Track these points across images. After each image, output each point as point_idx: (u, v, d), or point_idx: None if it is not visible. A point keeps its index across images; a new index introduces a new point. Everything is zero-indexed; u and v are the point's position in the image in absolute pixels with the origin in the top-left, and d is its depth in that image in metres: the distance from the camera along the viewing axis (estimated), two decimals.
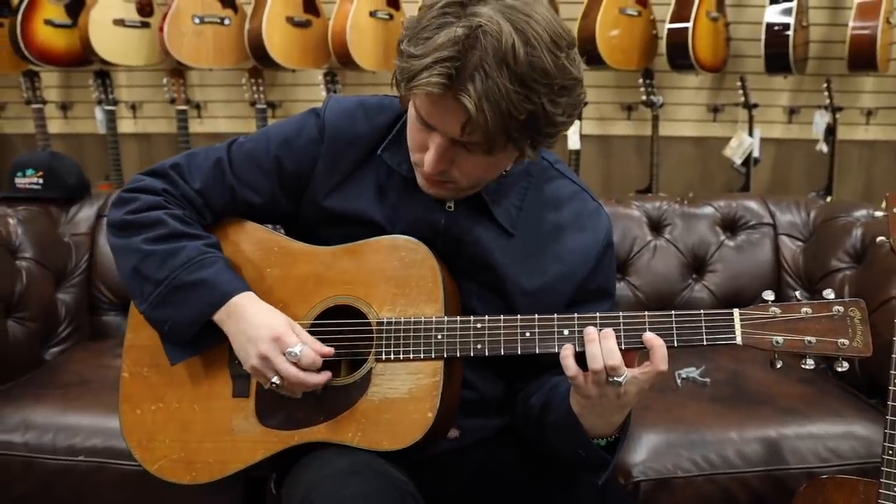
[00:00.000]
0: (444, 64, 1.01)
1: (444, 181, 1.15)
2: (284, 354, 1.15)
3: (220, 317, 1.19)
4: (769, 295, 1.12)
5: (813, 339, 1.09)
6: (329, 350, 1.18)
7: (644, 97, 3.52)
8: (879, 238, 1.39)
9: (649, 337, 1.09)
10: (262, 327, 1.16)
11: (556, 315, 1.14)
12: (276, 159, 1.26)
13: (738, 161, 3.56)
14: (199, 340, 1.22)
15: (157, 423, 1.27)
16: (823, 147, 3.57)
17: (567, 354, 1.09)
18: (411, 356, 1.17)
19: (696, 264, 2.24)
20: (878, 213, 1.41)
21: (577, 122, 3.35)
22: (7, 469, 1.68)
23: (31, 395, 1.81)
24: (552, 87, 1.04)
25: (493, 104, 1.01)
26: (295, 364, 1.15)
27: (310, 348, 1.16)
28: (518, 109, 1.02)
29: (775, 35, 3.33)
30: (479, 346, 1.16)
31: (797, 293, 1.13)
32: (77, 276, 2.21)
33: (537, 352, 1.14)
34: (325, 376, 1.17)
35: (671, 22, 3.39)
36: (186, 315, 1.20)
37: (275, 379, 1.16)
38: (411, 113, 1.13)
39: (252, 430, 1.23)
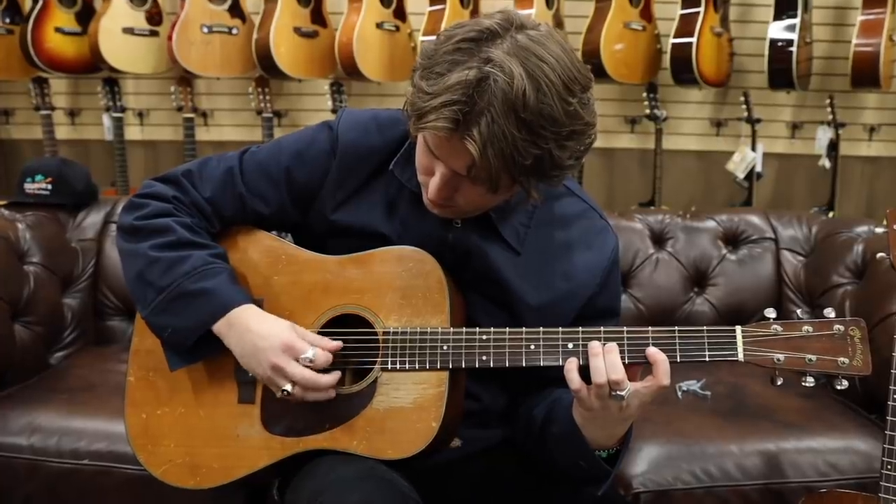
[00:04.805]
0: (451, 107, 1.01)
1: (447, 205, 1.16)
2: (297, 360, 1.16)
3: (220, 327, 1.20)
4: (771, 313, 1.13)
5: (813, 357, 1.10)
6: (338, 344, 1.19)
7: (648, 111, 3.53)
8: (879, 254, 1.40)
9: (652, 352, 1.10)
10: (270, 337, 1.17)
11: (560, 329, 1.15)
12: (287, 171, 1.27)
13: (741, 175, 3.57)
14: (197, 349, 1.23)
15: (162, 427, 1.27)
16: (826, 162, 3.58)
17: (571, 368, 1.10)
18: (417, 366, 1.18)
19: (698, 278, 2.25)
20: (879, 230, 1.42)
21: None
22: (13, 471, 1.69)
23: (36, 398, 1.83)
24: (560, 133, 1.03)
25: (497, 150, 1.01)
26: (309, 366, 1.15)
27: (320, 349, 1.17)
28: (524, 155, 1.02)
29: (779, 51, 3.35)
30: (484, 358, 1.16)
31: (798, 310, 1.14)
32: (83, 281, 2.23)
33: (542, 364, 1.15)
34: (335, 376, 1.18)
35: (675, 37, 3.41)
36: (187, 323, 1.21)
37: (287, 387, 1.16)
38: (420, 139, 1.13)
39: (257, 437, 1.23)
